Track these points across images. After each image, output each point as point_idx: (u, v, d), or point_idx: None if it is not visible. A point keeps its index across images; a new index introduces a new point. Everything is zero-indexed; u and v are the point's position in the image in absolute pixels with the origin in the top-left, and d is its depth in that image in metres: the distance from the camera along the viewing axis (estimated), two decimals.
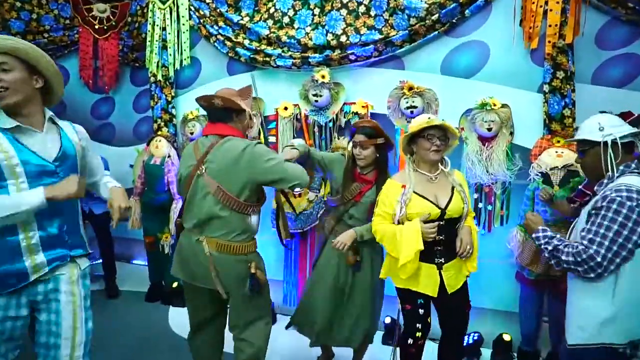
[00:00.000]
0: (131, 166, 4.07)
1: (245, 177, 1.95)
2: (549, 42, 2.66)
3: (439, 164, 2.11)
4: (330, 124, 3.29)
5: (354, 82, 3.30)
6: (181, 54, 3.78)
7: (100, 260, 4.11)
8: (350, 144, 2.43)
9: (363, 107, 3.22)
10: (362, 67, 3.28)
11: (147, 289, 3.91)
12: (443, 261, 2.07)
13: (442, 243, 2.05)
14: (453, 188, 2.10)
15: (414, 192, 2.03)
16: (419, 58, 3.13)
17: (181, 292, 3.70)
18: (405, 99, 3.06)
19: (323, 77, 3.17)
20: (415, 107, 3.04)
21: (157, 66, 3.80)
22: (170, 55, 3.77)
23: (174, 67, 3.80)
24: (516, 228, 2.78)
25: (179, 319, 3.46)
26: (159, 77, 3.81)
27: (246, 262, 2.02)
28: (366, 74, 3.28)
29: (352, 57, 3.17)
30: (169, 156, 3.64)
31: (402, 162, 3.16)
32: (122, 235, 4.20)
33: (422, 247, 1.90)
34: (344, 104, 3.25)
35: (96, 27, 4.28)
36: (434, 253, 2.05)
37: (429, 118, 2.05)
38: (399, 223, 2.02)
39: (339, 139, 3.27)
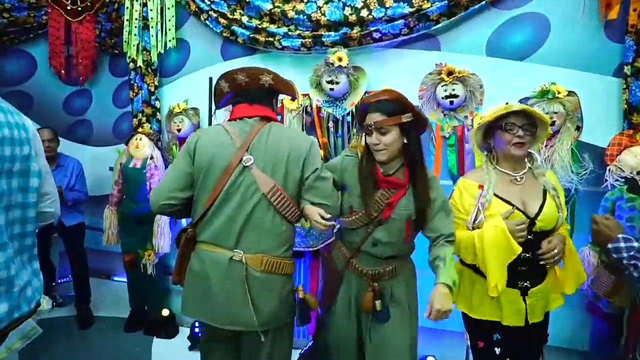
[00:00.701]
0: (111, 169, 3.57)
1: (299, 179, 1.59)
2: (635, 10, 2.08)
3: (526, 162, 1.75)
4: (349, 118, 2.70)
5: (378, 66, 2.72)
6: (165, 34, 3.17)
7: (70, 279, 3.53)
8: (361, 136, 1.82)
9: None
10: (388, 48, 2.70)
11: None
12: (529, 285, 1.69)
13: (528, 262, 1.66)
14: (545, 192, 1.70)
15: (494, 194, 1.68)
16: (459, 36, 2.56)
17: (170, 321, 3.19)
18: (443, 86, 2.48)
19: (340, 60, 2.57)
20: (455, 96, 2.46)
21: (137, 50, 3.19)
22: (153, 36, 3.16)
23: (157, 51, 3.19)
24: (587, 246, 2.22)
25: (164, 354, 2.91)
26: (140, 63, 3.19)
27: (292, 284, 1.64)
28: (393, 56, 2.70)
29: (376, 36, 2.57)
30: (151, 158, 3.03)
31: (438, 162, 2.57)
32: (100, 247, 3.61)
33: (519, 250, 1.56)
34: (366, 93, 2.66)
35: (68, 7, 3.66)
36: (517, 274, 1.66)
37: (507, 104, 1.66)
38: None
39: (359, 136, 2.67)
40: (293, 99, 2.69)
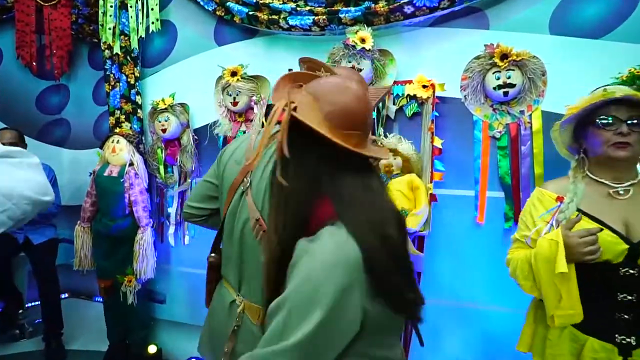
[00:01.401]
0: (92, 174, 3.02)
1: None
2: None
3: (638, 169, 1.36)
4: (373, 114, 2.16)
5: (410, 49, 2.18)
6: (147, 16, 2.63)
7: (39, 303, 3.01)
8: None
9: (425, 87, 2.09)
10: (422, 27, 2.17)
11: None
12: (634, 342, 1.25)
13: (633, 308, 1.26)
14: None
15: (580, 210, 1.32)
16: (513, 10, 2.03)
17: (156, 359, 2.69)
18: (494, 73, 1.96)
19: (362, 41, 2.05)
20: (511, 85, 1.93)
21: (114, 34, 2.65)
22: (132, 17, 2.62)
23: (138, 36, 2.65)
24: None
25: None
26: (117, 50, 2.65)
27: None
28: (428, 36, 2.17)
29: (408, 10, 2.04)
30: (130, 164, 2.51)
31: (485, 169, 2.05)
32: None
33: (564, 269, 1.19)
34: (394, 83, 2.13)
35: None
36: (615, 324, 1.27)
37: (605, 90, 1.30)
38: None
39: (386, 136, 2.15)
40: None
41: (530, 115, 1.99)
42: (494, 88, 1.96)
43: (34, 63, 3.35)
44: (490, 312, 2.11)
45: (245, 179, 1.14)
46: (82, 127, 3.62)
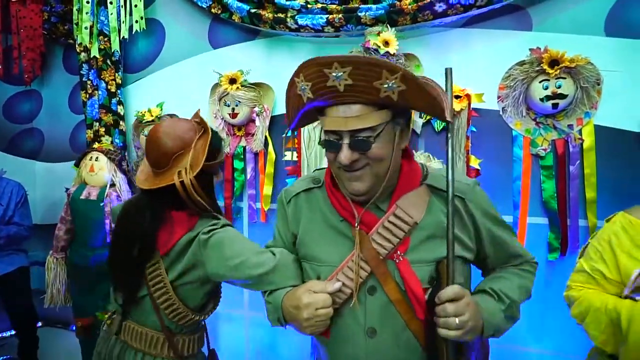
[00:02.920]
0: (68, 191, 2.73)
1: None
2: None
3: None
4: None
5: (440, 53, 1.91)
6: (131, 14, 2.30)
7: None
8: None
9: (458, 97, 1.80)
10: (454, 28, 1.90)
11: None
12: None
13: None
14: None
15: None
16: (560, 8, 1.76)
17: None
18: (541, 81, 1.68)
19: (386, 44, 1.76)
20: (562, 95, 1.67)
21: (91, 35, 2.31)
22: (113, 15, 2.29)
23: (120, 37, 2.31)
24: None
25: None
26: (94, 53, 2.32)
27: None
28: (461, 38, 1.90)
29: (439, 8, 1.75)
30: (112, 185, 2.18)
31: (526, 192, 1.79)
32: None
33: None
34: None
35: None
36: None
37: None
38: None
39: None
40: None
41: (581, 130, 1.73)
42: (541, 99, 1.69)
43: (0, 66, 3.07)
44: (530, 355, 1.88)
45: None
46: (56, 138, 3.35)
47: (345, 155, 0.82)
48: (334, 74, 0.76)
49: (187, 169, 1.10)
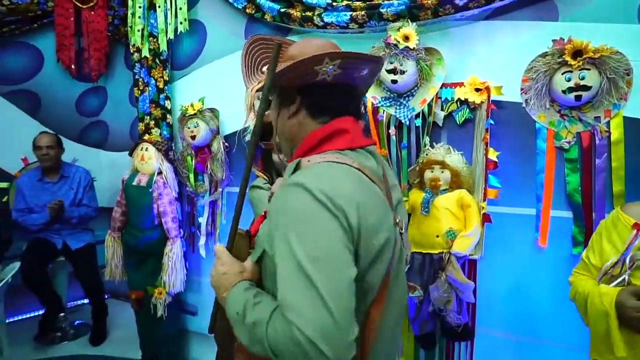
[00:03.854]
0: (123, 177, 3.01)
1: None
2: None
3: None
4: (418, 122, 1.91)
5: (461, 47, 1.90)
6: (176, 16, 2.49)
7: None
8: None
9: (478, 90, 1.81)
10: (477, 21, 1.88)
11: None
12: None
13: None
14: None
15: None
16: None
17: None
18: (564, 73, 1.65)
19: (406, 38, 1.79)
20: (585, 87, 1.63)
21: (142, 36, 2.53)
22: (161, 18, 2.50)
23: (167, 37, 2.52)
24: None
25: None
26: (145, 53, 2.54)
27: None
28: (483, 32, 1.87)
29: (460, 2, 1.76)
30: (159, 173, 2.40)
31: (550, 185, 1.78)
32: None
33: (623, 353, 1.10)
34: (443, 85, 1.86)
35: None
36: None
37: None
38: None
39: (432, 146, 1.90)
40: None
41: (609, 122, 1.67)
42: (563, 91, 1.66)
43: (73, 66, 3.34)
44: (554, 349, 1.84)
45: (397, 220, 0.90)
46: (119, 129, 3.65)
47: None
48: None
49: None
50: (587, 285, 1.27)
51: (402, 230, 0.93)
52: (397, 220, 0.90)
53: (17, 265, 2.55)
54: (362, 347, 0.78)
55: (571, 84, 1.64)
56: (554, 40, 1.66)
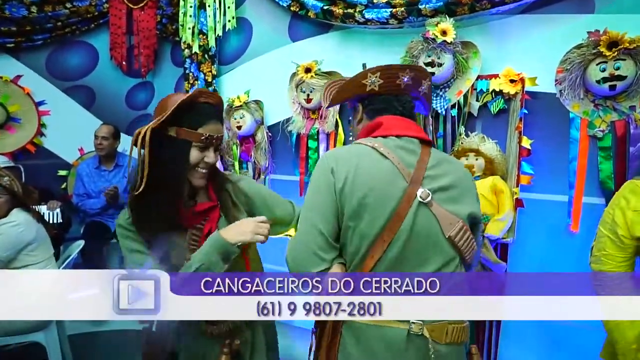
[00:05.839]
0: None
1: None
2: None
3: None
4: (454, 112, 2.02)
5: (497, 40, 2.00)
6: (224, 14, 2.67)
7: None
8: None
9: (513, 81, 1.90)
10: (512, 15, 1.97)
11: None
12: None
13: None
14: None
15: None
16: None
17: None
18: (599, 64, 1.71)
19: (444, 33, 1.90)
20: (620, 77, 1.69)
21: (193, 34, 2.73)
22: (210, 16, 2.67)
23: (215, 34, 2.70)
24: None
25: None
26: (195, 49, 2.74)
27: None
28: (519, 25, 1.96)
29: None
30: None
31: (583, 173, 1.84)
32: None
33: None
34: (478, 77, 1.96)
35: None
36: None
37: None
38: None
39: (468, 135, 2.00)
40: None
41: None
42: (598, 82, 1.73)
43: (124, 62, 3.56)
44: (584, 331, 1.90)
45: (418, 194, 1.05)
46: None
47: None
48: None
49: None
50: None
51: (426, 199, 1.03)
52: (419, 193, 1.03)
53: (82, 242, 2.78)
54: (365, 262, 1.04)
55: (606, 74, 1.71)
56: (589, 32, 1.73)
